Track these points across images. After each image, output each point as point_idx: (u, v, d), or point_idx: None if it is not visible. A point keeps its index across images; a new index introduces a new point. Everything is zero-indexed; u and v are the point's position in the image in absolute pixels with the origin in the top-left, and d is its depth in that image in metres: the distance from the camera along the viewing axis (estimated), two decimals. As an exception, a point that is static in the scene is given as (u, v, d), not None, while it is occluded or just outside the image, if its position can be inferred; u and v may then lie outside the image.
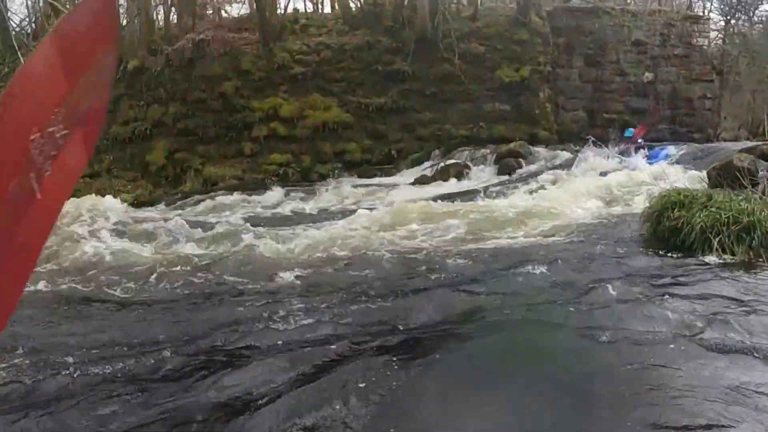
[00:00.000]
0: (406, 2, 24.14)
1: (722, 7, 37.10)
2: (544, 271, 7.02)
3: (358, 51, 23.28)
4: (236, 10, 28.29)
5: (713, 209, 7.61)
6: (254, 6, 24.72)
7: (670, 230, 7.95)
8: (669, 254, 7.58)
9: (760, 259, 6.85)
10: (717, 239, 7.26)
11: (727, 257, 7.07)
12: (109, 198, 16.83)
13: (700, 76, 25.60)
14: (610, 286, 6.19)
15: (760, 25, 40.81)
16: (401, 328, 5.31)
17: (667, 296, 5.77)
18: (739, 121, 32.10)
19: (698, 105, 25.29)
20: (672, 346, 4.63)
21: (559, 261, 7.51)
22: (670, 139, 22.99)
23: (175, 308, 6.37)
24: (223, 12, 26.69)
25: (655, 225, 8.33)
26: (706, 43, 26.96)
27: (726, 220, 7.35)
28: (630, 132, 19.34)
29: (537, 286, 6.55)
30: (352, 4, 26.29)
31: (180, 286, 7.35)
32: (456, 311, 5.87)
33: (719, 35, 33.70)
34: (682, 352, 4.52)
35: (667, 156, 17.60)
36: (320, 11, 29.67)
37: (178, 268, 8.16)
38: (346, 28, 24.43)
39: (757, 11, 40.66)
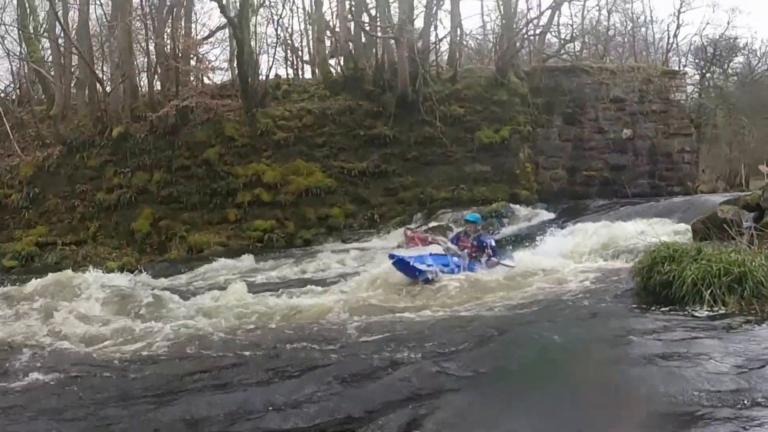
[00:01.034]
0: (386, 66, 24.65)
1: (697, 61, 38.17)
2: (538, 332, 7.14)
3: (340, 115, 23.96)
4: (219, 77, 28.86)
5: (703, 262, 7.82)
6: (236, 73, 25.21)
7: (661, 284, 8.10)
8: (661, 308, 7.71)
9: (753, 309, 7.09)
10: (708, 291, 7.41)
11: (720, 308, 7.24)
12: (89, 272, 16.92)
13: (679, 130, 26.34)
14: (605, 346, 6.38)
15: (735, 78, 41.95)
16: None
17: (662, 352, 5.93)
18: (716, 172, 32.81)
19: (677, 159, 25.98)
20: (670, 405, 4.68)
21: (552, 321, 7.69)
22: (650, 194, 23.44)
23: (168, 388, 6.28)
24: (205, 79, 27.20)
25: (646, 279, 8.46)
26: (684, 97, 27.71)
27: (717, 271, 7.52)
28: (474, 217, 13.72)
29: (531, 349, 6.61)
30: (332, 70, 26.83)
31: (166, 360, 7.41)
32: (453, 377, 5.87)
33: (695, 89, 34.54)
34: (682, 413, 4.56)
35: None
36: (301, 77, 30.20)
37: (163, 341, 8.19)
38: (328, 93, 25.10)
39: (731, 64, 42.00)
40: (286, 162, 23.15)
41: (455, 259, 12.37)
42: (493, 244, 13.08)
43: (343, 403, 5.35)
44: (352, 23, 26.71)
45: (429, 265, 11.56)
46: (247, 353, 7.17)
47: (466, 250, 12.73)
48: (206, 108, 23.69)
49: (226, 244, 21.73)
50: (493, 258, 12.57)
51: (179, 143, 23.28)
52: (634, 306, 8.17)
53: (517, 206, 21.98)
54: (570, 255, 13.41)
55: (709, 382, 5.04)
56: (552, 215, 20.96)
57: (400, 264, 11.50)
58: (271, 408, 5.33)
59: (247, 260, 18.78)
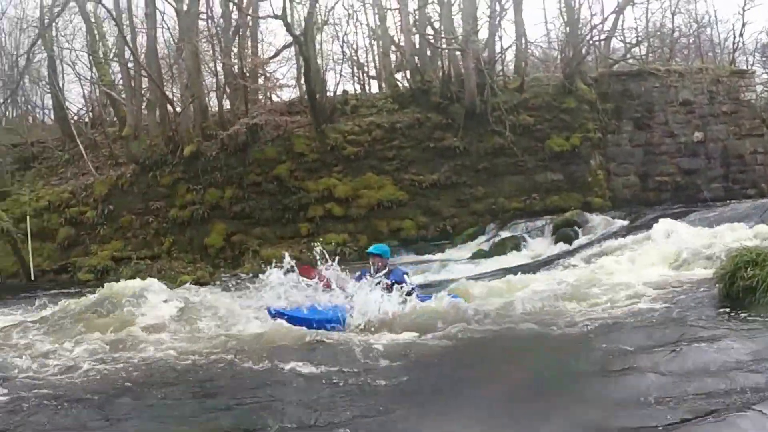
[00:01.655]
0: (453, 78, 24.92)
1: (764, 59, 37.51)
2: (621, 339, 6.96)
3: (409, 128, 24.31)
4: (287, 94, 29.38)
5: None
6: (304, 90, 25.65)
7: (744, 289, 7.86)
8: (745, 314, 7.49)
9: None
10: None
11: None
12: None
13: (750, 131, 26.00)
14: (690, 351, 6.21)
15: None
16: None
17: (748, 359, 5.84)
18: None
19: (750, 161, 25.64)
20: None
21: (635, 328, 7.55)
22: (724, 198, 23.07)
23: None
24: (274, 96, 27.73)
25: (729, 285, 8.18)
26: (754, 97, 27.29)
27: None
28: (379, 249, 11.00)
29: (614, 354, 6.50)
30: (399, 83, 27.13)
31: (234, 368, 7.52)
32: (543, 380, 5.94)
33: (765, 88, 33.95)
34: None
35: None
36: (368, 92, 30.56)
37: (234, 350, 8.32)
38: (396, 107, 25.48)
39: None
40: (357, 176, 23.59)
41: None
42: (408, 279, 10.35)
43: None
44: (417, 36, 27.09)
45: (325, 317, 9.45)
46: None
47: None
48: (275, 125, 24.22)
49: (299, 257, 21.90)
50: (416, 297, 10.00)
51: (250, 160, 23.84)
52: (717, 313, 7.90)
53: (591, 215, 21.85)
54: (647, 262, 12.96)
55: None
56: (625, 222, 20.74)
57: (289, 318, 9.35)
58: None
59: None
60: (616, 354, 6.51)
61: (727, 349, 6.13)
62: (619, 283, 10.74)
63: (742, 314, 7.46)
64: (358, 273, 10.96)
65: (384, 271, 10.38)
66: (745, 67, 32.56)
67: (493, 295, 11.13)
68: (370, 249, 11.16)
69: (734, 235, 13.03)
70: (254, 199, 23.46)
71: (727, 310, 7.79)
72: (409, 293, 9.92)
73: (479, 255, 20.27)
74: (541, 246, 20.55)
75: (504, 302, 10.01)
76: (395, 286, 9.94)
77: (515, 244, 20.53)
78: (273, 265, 10.57)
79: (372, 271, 10.52)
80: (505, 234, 21.62)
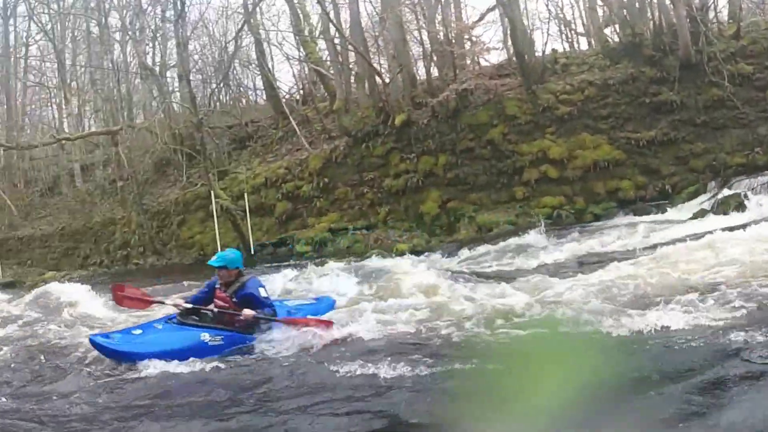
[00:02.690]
0: (665, 29, 24.44)
1: None
2: None
3: (622, 84, 24.06)
4: (495, 58, 29.69)
5: None
6: (512, 52, 25.85)
7: None
8: None
9: None
10: None
11: None
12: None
13: None
14: None
15: None
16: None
17: None
18: None
19: None
20: None
21: None
22: None
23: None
24: (482, 61, 28.09)
25: None
26: None
27: None
28: (224, 259, 9.31)
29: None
30: (609, 39, 26.77)
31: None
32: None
33: None
34: None
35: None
36: (578, 49, 30.33)
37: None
38: (607, 63, 25.37)
39: None
40: (571, 136, 23.59)
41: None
42: (263, 294, 9.03)
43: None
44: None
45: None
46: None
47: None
48: (485, 89, 24.62)
49: (515, 222, 22.37)
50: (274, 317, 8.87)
51: (461, 126, 24.43)
52: None
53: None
54: None
55: None
56: None
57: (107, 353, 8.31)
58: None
59: (536, 238, 19.23)
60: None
61: None
62: None
63: None
64: (198, 291, 9.69)
65: (234, 287, 9.09)
66: None
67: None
68: (212, 261, 9.29)
69: None
70: (468, 164, 23.99)
71: None
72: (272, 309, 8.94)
73: (699, 215, 19.88)
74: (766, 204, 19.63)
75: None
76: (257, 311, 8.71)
77: (739, 202, 19.75)
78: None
79: (218, 286, 9.21)
80: (726, 192, 20.89)
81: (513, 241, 19.59)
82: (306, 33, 31.93)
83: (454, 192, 23.99)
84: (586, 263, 14.27)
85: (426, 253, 20.45)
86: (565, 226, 21.31)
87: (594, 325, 7.66)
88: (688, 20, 23.64)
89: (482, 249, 19.54)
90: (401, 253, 20.87)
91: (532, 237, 19.57)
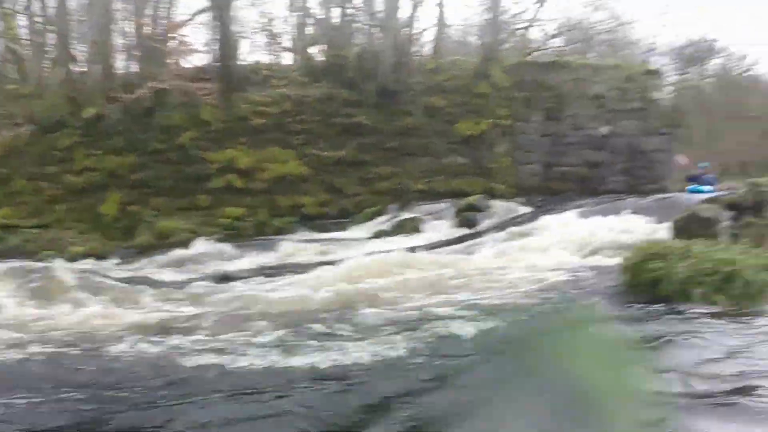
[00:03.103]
0: (369, 55, 25.21)
1: (675, 62, 39.21)
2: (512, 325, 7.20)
3: (319, 103, 24.51)
4: (198, 60, 29.07)
5: (693, 260, 8.00)
6: (215, 56, 25.52)
7: (649, 282, 8.21)
8: (650, 305, 7.77)
9: (743, 307, 7.27)
10: (698, 290, 7.56)
11: (709, 307, 7.32)
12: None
13: (656, 129, 26.89)
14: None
15: (712, 79, 43.31)
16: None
17: (654, 344, 6.17)
18: (688, 172, 33.42)
19: (653, 157, 26.51)
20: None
21: (537, 312, 7.84)
22: (625, 191, 23.76)
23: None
24: (184, 62, 27.45)
25: (634, 277, 8.57)
26: (662, 97, 28.27)
27: (707, 270, 7.66)
28: None
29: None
30: (313, 57, 27.24)
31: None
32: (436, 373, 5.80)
33: (673, 89, 35.31)
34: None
35: None
36: (281, 63, 30.59)
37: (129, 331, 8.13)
38: (307, 80, 25.66)
39: (707, 66, 43.64)
40: (262, 149, 23.58)
41: None
42: None
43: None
44: (336, 10, 27.25)
45: None
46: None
47: None
48: (183, 91, 24.06)
49: (196, 230, 21.85)
50: None
51: (154, 126, 23.66)
52: (624, 302, 8.23)
53: (494, 200, 22.43)
54: (551, 249, 13.33)
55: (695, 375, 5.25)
56: (529, 209, 21.32)
57: None
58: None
59: (217, 247, 18.99)
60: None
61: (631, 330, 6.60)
62: (525, 267, 11.13)
63: (647, 305, 7.80)
64: None
65: None
66: (657, 68, 33.73)
67: (390, 274, 11.15)
68: None
69: (636, 228, 13.87)
70: (155, 167, 23.18)
71: (633, 301, 8.13)
72: None
73: (378, 235, 20.40)
74: (441, 229, 20.72)
75: (398, 281, 10.31)
76: None
77: (416, 225, 20.72)
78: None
79: None
80: (406, 215, 21.80)
81: (193, 249, 19.14)
82: (9, 5, 29.73)
83: (137, 195, 22.96)
84: (264, 274, 14.10)
85: (100, 259, 19.47)
86: (246, 238, 21.19)
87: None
88: (392, 50, 24.55)
89: (160, 257, 18.88)
90: (75, 257, 19.68)
91: (212, 246, 19.26)
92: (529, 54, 29.19)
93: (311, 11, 29.65)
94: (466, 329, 7.06)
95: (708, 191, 19.04)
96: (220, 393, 5.48)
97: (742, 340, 6.25)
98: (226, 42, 24.55)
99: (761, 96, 46.74)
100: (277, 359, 6.33)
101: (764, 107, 44.59)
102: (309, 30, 29.02)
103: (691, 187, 21.67)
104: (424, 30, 29.16)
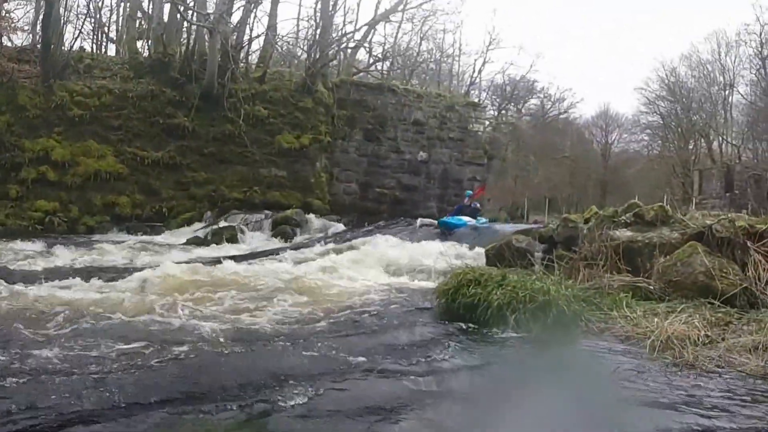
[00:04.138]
0: (196, 56, 25.51)
1: (494, 97, 42.18)
2: (327, 343, 7.12)
3: (141, 100, 24.56)
4: (20, 40, 28.38)
5: (509, 288, 8.20)
6: (39, 37, 25.06)
7: (465, 306, 8.38)
8: (464, 328, 8.01)
9: (556, 334, 7.57)
10: (513, 316, 7.81)
11: (524, 333, 7.61)
12: None
13: (472, 159, 29.02)
14: (401, 359, 6.59)
15: (528, 117, 46.92)
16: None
17: (456, 366, 6.45)
18: (500, 203, 35.84)
19: (467, 186, 28.43)
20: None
21: (346, 333, 7.77)
22: (437, 217, 24.98)
23: None
24: (4, 39, 26.65)
25: (450, 300, 8.72)
26: (481, 129, 30.29)
27: (522, 298, 7.95)
28: None
29: (319, 359, 6.57)
30: (139, 52, 27.26)
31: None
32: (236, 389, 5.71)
33: (491, 123, 37.75)
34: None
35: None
36: (106, 53, 30.33)
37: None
38: (131, 75, 25.67)
39: (526, 104, 47.33)
40: (78, 141, 23.35)
41: None
42: None
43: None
44: (168, 6, 27.19)
45: None
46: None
47: None
48: (1, 71, 23.35)
49: (4, 223, 21.39)
50: None
51: (-35, 105, 22.74)
52: (437, 324, 8.41)
53: (310, 215, 23.26)
54: (365, 268, 13.60)
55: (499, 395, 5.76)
56: (343, 227, 22.20)
57: None
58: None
59: (29, 243, 18.47)
60: (319, 352, 6.79)
61: (450, 360, 6.73)
62: (338, 284, 11.26)
63: (461, 329, 8.04)
64: None
65: None
66: (478, 101, 35.93)
67: (202, 285, 10.79)
68: None
69: (451, 252, 14.36)
70: (-39, 150, 22.32)
71: (447, 324, 8.33)
72: None
73: (194, 242, 20.58)
74: (258, 239, 21.40)
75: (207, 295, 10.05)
76: None
77: (232, 234, 21.06)
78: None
79: None
80: (223, 224, 22.24)
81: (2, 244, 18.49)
82: None
83: (-62, 179, 22.01)
84: (78, 274, 13.52)
85: None
86: (58, 235, 20.69)
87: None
88: (220, 54, 24.85)
89: None
90: None
91: (24, 242, 18.65)
92: (355, 74, 30.30)
93: (141, 3, 29.64)
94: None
95: (461, 224, 18.07)
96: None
97: (551, 359, 6.86)
98: (51, 22, 23.96)
99: (573, 138, 50.79)
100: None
101: (574, 148, 48.60)
102: (137, 24, 28.92)
103: (446, 218, 19.32)
104: (254, 38, 29.69)
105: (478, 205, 20.33)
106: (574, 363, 6.85)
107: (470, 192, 21.62)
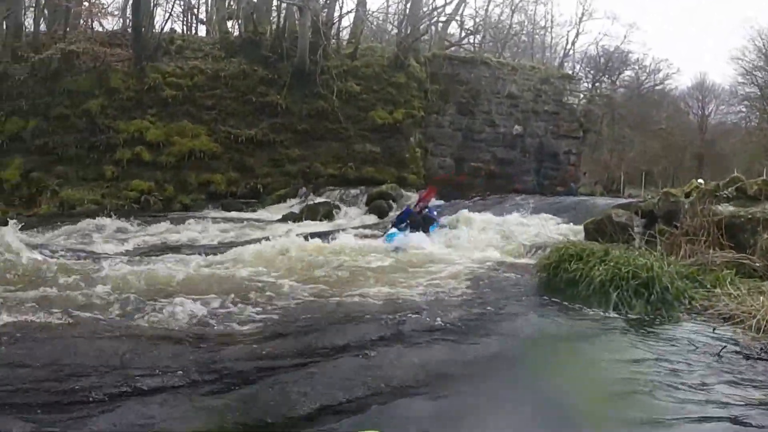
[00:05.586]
0: (286, 34, 25.17)
1: (589, 69, 40.74)
2: (431, 321, 6.90)
3: (233, 79, 24.48)
4: (110, 24, 28.60)
5: (612, 264, 8.02)
6: (129, 22, 25.14)
7: (566, 282, 8.19)
8: (567, 306, 7.79)
9: (659, 314, 7.31)
10: (616, 293, 7.56)
11: (626, 311, 7.36)
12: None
13: (568, 132, 28.07)
14: (512, 342, 6.45)
15: (623, 89, 45.28)
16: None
17: (570, 350, 6.30)
18: (595, 177, 34.86)
19: (563, 159, 27.69)
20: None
21: (450, 311, 7.47)
22: (533, 191, 24.39)
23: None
24: (96, 24, 26.93)
25: (552, 276, 8.54)
26: (576, 102, 29.26)
27: (625, 274, 7.68)
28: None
29: (425, 338, 6.34)
30: (230, 31, 27.14)
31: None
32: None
33: (586, 96, 36.56)
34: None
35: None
36: (196, 34, 30.34)
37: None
38: (223, 55, 25.57)
39: (621, 76, 45.62)
40: (172, 121, 23.46)
41: None
42: None
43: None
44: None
45: None
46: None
47: None
48: (94, 55, 23.57)
49: (101, 202, 21.55)
50: None
51: (60, 90, 23.12)
52: (539, 302, 8.17)
53: (405, 191, 22.64)
54: (463, 245, 12.96)
55: (613, 382, 5.29)
56: (440, 202, 21.52)
57: None
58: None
59: (122, 221, 18.51)
60: (434, 331, 6.59)
61: (547, 341, 6.63)
62: (440, 261, 10.97)
63: (564, 306, 7.83)
64: None
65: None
66: (572, 73, 34.82)
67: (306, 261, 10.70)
68: None
69: (549, 227, 14.05)
70: (59, 133, 22.66)
71: (548, 301, 8.13)
72: None
73: (289, 218, 20.29)
74: (353, 215, 21.08)
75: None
76: None
77: (327, 210, 20.80)
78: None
79: None
80: (318, 199, 22.10)
81: (98, 221, 18.58)
82: None
83: (39, 162, 22.35)
84: (172, 251, 13.55)
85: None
86: (152, 213, 20.82)
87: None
88: (310, 31, 24.59)
89: (64, 227, 18.26)
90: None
91: (117, 220, 18.71)
92: (447, 48, 29.71)
93: (231, -16, 29.48)
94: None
95: (388, 239, 12.76)
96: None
97: (657, 346, 6.35)
98: (141, 7, 24.10)
99: (669, 110, 49.16)
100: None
101: (670, 120, 46.97)
102: (227, 3, 28.83)
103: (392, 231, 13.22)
104: (344, 14, 29.29)
105: (435, 212, 14.82)
106: (678, 344, 6.39)
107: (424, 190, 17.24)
